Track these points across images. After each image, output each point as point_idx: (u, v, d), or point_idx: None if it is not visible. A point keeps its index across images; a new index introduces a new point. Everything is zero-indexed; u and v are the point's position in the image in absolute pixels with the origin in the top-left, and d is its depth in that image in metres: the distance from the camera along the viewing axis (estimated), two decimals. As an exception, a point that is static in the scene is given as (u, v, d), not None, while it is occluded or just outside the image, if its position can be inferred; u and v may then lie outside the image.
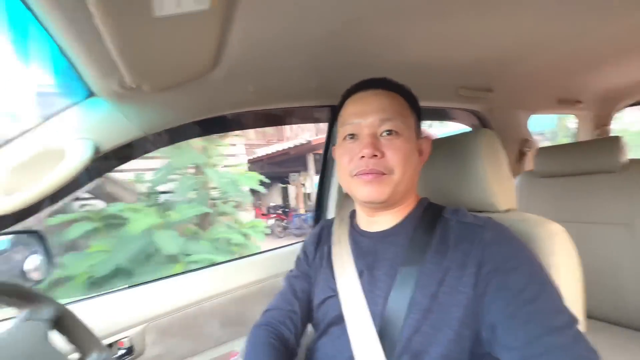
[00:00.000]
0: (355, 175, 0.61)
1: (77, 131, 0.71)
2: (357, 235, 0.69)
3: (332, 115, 1.16)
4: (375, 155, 0.58)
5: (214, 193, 3.71)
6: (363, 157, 0.59)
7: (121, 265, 2.74)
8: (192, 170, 3.61)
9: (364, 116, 0.61)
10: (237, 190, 3.66)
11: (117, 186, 3.43)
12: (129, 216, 2.92)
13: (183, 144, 3.42)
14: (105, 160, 0.80)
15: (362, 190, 0.60)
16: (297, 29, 0.71)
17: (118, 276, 2.70)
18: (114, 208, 3.09)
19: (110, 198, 3.38)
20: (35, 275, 0.86)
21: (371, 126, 0.60)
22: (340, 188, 1.20)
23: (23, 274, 0.84)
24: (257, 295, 1.02)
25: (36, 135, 0.68)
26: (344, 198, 1.17)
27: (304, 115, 1.37)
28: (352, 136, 0.63)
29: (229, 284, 0.99)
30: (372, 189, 0.59)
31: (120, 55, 0.59)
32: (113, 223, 3.02)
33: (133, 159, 0.91)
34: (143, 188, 3.52)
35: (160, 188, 3.48)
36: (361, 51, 0.86)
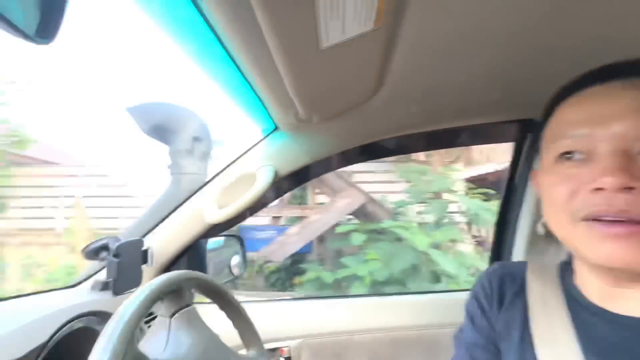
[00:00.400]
0: (587, 219, 0.38)
1: (264, 159, 0.86)
2: (582, 311, 0.43)
3: (522, 131, 0.90)
4: (632, 188, 0.35)
5: (455, 218, 3.82)
6: (601, 189, 0.36)
7: (394, 274, 3.18)
8: (431, 195, 3.81)
9: (601, 123, 0.38)
10: (487, 218, 3.53)
11: (376, 205, 4.09)
12: (400, 232, 3.32)
13: (425, 168, 3.91)
14: (282, 184, 0.93)
15: (601, 249, 0.37)
16: (476, 33, 0.58)
17: (392, 284, 3.16)
18: (386, 224, 3.55)
19: (369, 215, 4.01)
20: (235, 271, 1.09)
21: (618, 139, 0.37)
22: (532, 223, 0.90)
23: (229, 268, 1.08)
24: (414, 345, 0.89)
25: (240, 163, 0.88)
26: (542, 239, 0.87)
27: (481, 134, 1.15)
28: (579, 155, 0.40)
29: (383, 321, 0.91)
30: (623, 247, 0.35)
31: (295, 90, 0.66)
32: (377, 237, 3.57)
33: (303, 183, 1.02)
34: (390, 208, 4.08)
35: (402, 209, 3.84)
36: (576, 41, 0.61)
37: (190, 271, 0.51)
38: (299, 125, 0.81)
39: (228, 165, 0.88)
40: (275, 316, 0.95)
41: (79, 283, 0.81)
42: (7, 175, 4.16)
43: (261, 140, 0.88)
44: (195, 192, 0.87)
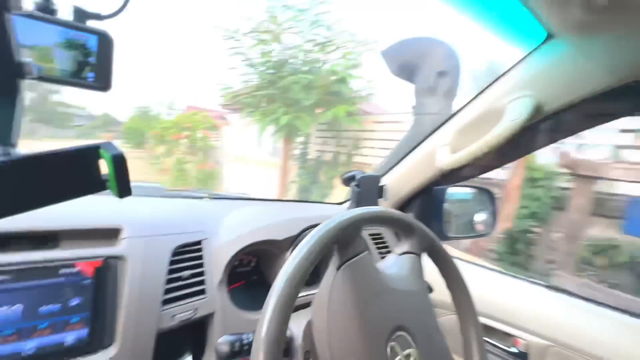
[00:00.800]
0: None
1: (519, 89, 0.62)
2: None
3: None
4: None
5: None
6: None
7: None
8: None
9: None
10: None
11: None
12: None
13: None
14: (555, 123, 0.65)
15: None
16: None
17: None
18: None
19: None
20: (480, 229, 0.97)
21: None
22: None
23: (472, 224, 0.98)
24: None
25: (486, 96, 0.70)
26: None
27: None
28: None
29: None
30: None
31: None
32: None
33: (601, 123, 0.65)
34: None
35: None
36: None
37: (395, 213, 0.52)
38: (589, 21, 0.50)
39: (471, 101, 0.73)
40: (511, 294, 0.75)
41: (344, 202, 1.06)
42: (359, 121, 5.59)
43: (519, 61, 0.64)
44: (431, 134, 0.82)
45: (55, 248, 0.51)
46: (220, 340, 0.46)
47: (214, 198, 0.92)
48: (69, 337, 0.45)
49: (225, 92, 5.60)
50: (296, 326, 0.54)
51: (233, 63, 5.40)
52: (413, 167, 0.86)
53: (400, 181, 0.89)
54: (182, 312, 0.55)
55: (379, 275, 0.47)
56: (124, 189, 0.26)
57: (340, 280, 0.43)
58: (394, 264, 0.52)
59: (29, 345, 0.43)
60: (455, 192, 0.96)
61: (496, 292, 0.79)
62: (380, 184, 0.90)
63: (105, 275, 0.50)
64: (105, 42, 0.34)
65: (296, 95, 4.88)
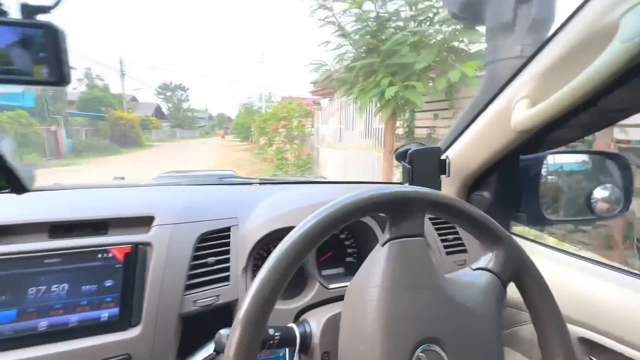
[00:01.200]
0: None
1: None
2: None
3: None
4: None
5: None
6: None
7: None
8: None
9: None
10: None
11: None
12: None
13: None
14: None
15: None
16: None
17: None
18: None
19: None
20: (601, 208, 0.72)
21: None
22: None
23: (587, 201, 0.73)
24: None
25: (582, 17, 0.47)
26: None
27: None
28: None
29: None
30: None
31: None
32: None
33: None
34: None
35: None
36: None
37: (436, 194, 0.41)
38: None
39: (559, 30, 0.51)
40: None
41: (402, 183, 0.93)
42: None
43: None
44: (505, 86, 0.61)
45: (105, 234, 0.59)
46: (221, 332, 0.45)
47: (263, 183, 0.93)
48: (104, 314, 0.52)
49: (319, 70, 4.92)
50: (316, 321, 0.50)
51: (325, 37, 4.73)
52: (484, 133, 0.67)
53: (468, 152, 0.71)
54: (204, 297, 0.57)
55: (429, 269, 0.38)
56: (15, 185, 0.25)
57: (382, 259, 0.38)
58: (464, 274, 0.42)
59: (73, 318, 0.51)
60: (558, 160, 0.72)
61: (617, 298, 0.55)
62: (441, 158, 0.74)
63: (134, 260, 0.55)
64: (51, 33, 0.34)
65: (403, 59, 3.84)
